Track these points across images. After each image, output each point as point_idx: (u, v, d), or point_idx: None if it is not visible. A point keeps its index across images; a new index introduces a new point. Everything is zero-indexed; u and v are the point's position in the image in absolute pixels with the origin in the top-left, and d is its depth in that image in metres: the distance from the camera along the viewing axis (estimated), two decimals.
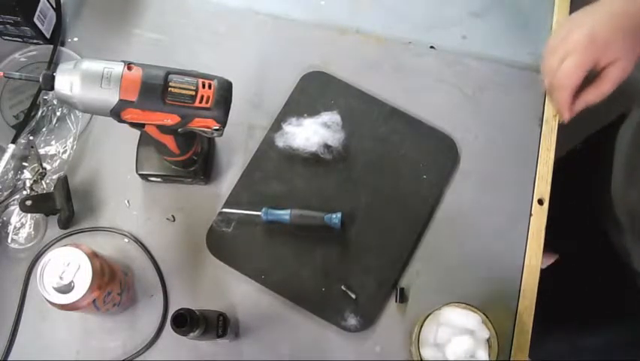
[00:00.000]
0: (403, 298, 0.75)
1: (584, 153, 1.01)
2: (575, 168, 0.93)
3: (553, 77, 0.72)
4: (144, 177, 0.79)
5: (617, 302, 0.89)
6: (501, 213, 0.80)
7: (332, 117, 0.81)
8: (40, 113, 0.81)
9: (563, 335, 1.01)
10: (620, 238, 0.83)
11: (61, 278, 0.62)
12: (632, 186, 0.79)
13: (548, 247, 0.78)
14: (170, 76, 0.61)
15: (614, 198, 0.82)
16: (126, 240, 0.78)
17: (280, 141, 0.80)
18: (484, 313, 0.69)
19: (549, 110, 0.84)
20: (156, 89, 0.60)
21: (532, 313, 0.75)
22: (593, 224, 0.89)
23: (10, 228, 0.77)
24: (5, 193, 0.78)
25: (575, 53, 0.70)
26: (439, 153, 0.82)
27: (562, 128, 0.83)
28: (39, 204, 0.75)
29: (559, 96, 0.73)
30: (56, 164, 0.79)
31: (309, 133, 0.79)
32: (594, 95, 0.72)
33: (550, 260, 1.07)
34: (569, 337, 1.01)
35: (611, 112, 0.90)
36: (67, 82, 0.59)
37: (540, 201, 0.80)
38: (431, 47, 0.88)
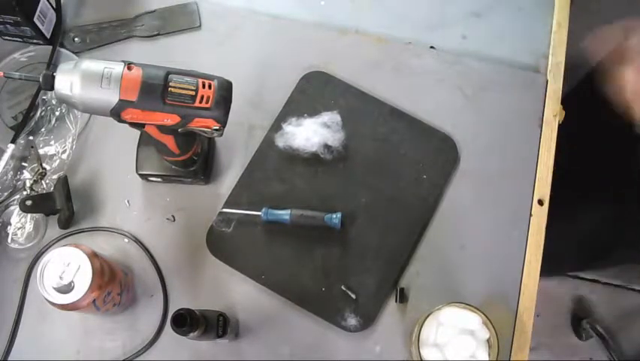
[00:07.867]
0: (403, 298, 0.75)
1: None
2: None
3: None
4: (144, 177, 0.78)
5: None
6: (501, 214, 0.80)
7: (332, 117, 0.81)
8: (39, 113, 0.81)
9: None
10: None
11: (61, 278, 0.62)
12: None
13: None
14: (170, 76, 0.61)
15: None
16: (126, 240, 0.78)
17: (280, 141, 0.80)
18: (484, 314, 0.69)
19: (549, 111, 0.84)
20: (156, 89, 0.60)
21: (533, 313, 0.75)
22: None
23: (10, 228, 0.77)
24: (5, 193, 0.78)
25: None
26: (439, 153, 0.82)
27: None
28: (39, 204, 0.75)
29: None
30: (56, 164, 0.79)
31: (309, 133, 0.79)
32: None
33: None
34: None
35: None
36: (67, 82, 0.59)
37: (540, 202, 0.80)
38: (431, 47, 0.88)
